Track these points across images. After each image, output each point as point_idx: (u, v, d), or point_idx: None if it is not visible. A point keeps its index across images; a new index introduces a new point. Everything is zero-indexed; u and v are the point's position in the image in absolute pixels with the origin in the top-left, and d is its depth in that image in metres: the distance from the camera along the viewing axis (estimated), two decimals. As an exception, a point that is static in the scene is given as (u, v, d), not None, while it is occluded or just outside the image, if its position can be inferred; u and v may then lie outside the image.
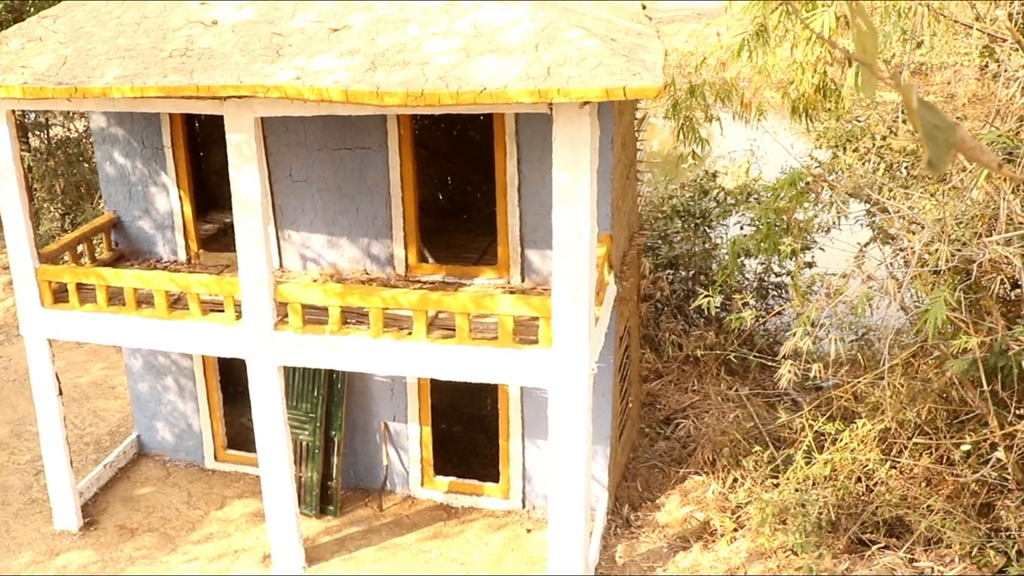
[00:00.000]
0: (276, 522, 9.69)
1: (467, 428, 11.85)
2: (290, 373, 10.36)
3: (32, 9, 16.42)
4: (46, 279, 9.69)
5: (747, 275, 14.36)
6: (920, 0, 8.39)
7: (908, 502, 9.29)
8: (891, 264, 10.38)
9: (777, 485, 9.78)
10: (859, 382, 9.88)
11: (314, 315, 9.09)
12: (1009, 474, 8.59)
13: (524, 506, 10.73)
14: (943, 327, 8.36)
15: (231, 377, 11.42)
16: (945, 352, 8.72)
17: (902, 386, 9.58)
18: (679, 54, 23.72)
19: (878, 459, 9.41)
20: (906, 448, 9.48)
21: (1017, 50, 9.07)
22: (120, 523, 10.79)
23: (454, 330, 8.61)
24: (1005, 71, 9.19)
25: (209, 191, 11.93)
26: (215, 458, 11.82)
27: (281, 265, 10.45)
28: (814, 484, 9.50)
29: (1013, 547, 8.40)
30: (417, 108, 7.37)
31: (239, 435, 11.65)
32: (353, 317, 9.10)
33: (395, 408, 10.77)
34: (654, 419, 12.58)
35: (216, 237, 11.47)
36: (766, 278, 14.42)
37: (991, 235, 7.98)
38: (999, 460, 8.56)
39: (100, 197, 14.55)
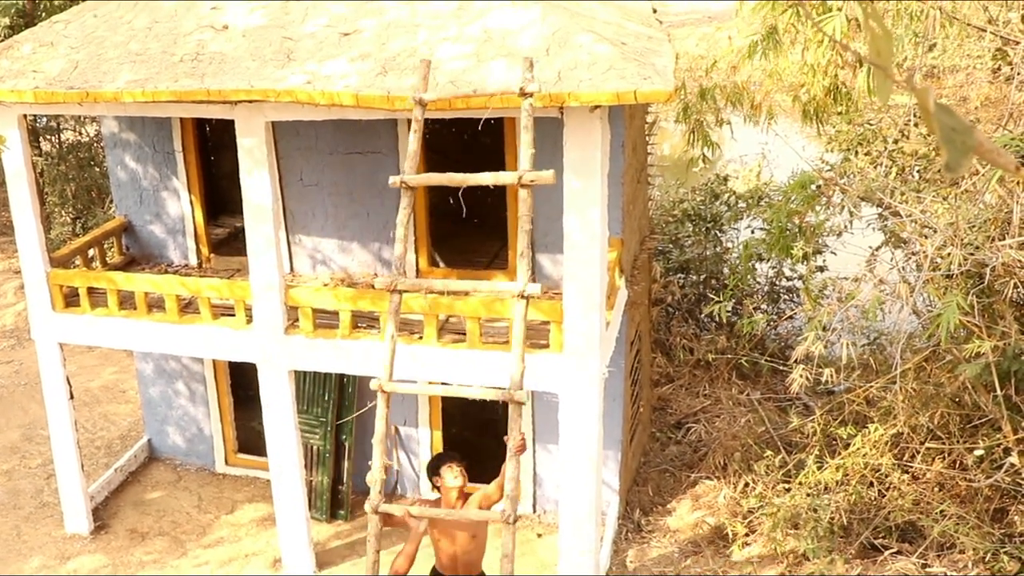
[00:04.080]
0: (286, 526, 9.69)
1: (477, 433, 11.82)
2: (301, 377, 10.36)
3: (44, 14, 16.48)
4: (57, 283, 9.71)
5: (758, 279, 14.32)
6: (932, 3, 8.36)
7: (921, 507, 9.24)
8: (903, 268, 10.33)
9: (789, 490, 9.74)
10: (871, 386, 9.83)
11: (325, 319, 9.09)
12: (1023, 479, 8.53)
13: (535, 511, 10.71)
14: (956, 331, 8.31)
15: (242, 381, 11.42)
16: (958, 356, 8.67)
17: (914, 391, 9.54)
18: (690, 58, 23.70)
19: (890, 464, 9.37)
20: (918, 453, 9.43)
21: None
22: (131, 527, 10.80)
23: (465, 334, 8.60)
24: (1018, 74, 9.15)
25: (220, 195, 11.94)
26: (226, 462, 11.82)
27: (292, 269, 10.45)
28: (826, 489, 9.46)
29: (1027, 553, 8.35)
30: (428, 112, 7.36)
31: (250, 439, 11.65)
32: (364, 321, 9.10)
33: (406, 412, 10.76)
34: (665, 423, 12.54)
35: (227, 241, 11.48)
36: (777, 282, 14.38)
37: (1004, 239, 7.94)
38: (1013, 465, 8.51)
39: (111, 201, 14.58)
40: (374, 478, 6.92)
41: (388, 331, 6.97)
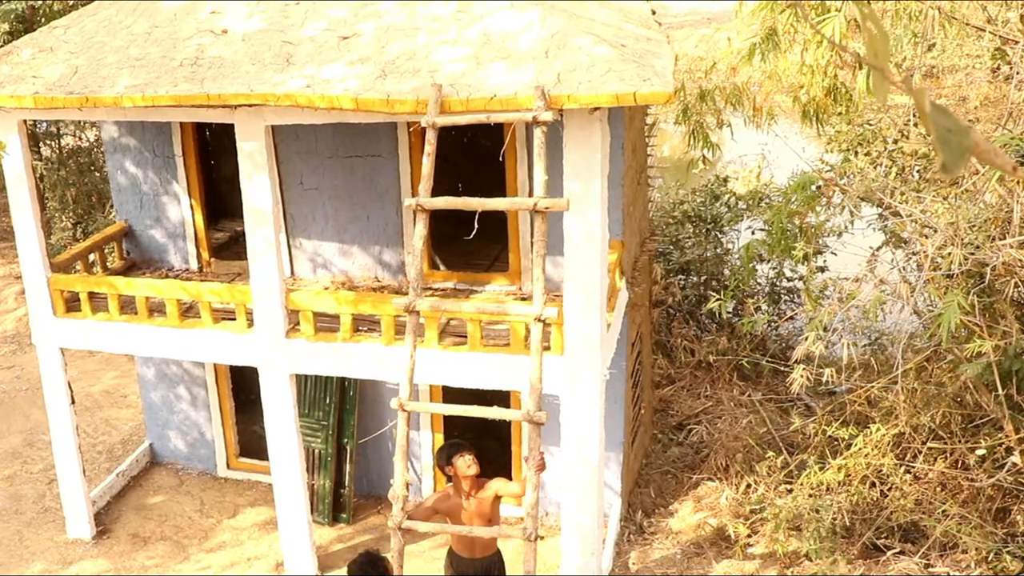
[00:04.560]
0: (289, 530, 9.68)
1: (479, 435, 11.81)
2: (302, 381, 10.36)
3: (43, 19, 16.48)
4: (58, 288, 9.72)
5: (759, 280, 14.31)
6: (931, 2, 8.36)
7: (923, 507, 9.23)
8: (904, 268, 10.33)
9: (791, 491, 9.73)
10: (872, 387, 9.82)
11: (326, 323, 9.09)
12: (1025, 479, 8.54)
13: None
14: (957, 331, 8.31)
15: (243, 385, 11.42)
16: (959, 356, 8.67)
17: (916, 390, 9.53)
18: (689, 59, 23.68)
19: (892, 464, 9.36)
20: (920, 453, 9.42)
21: (1029, 52, 9.02)
22: (133, 532, 10.80)
23: (466, 337, 8.60)
24: (1017, 73, 9.15)
25: (220, 200, 11.94)
26: (227, 466, 11.82)
27: (292, 273, 10.45)
28: (828, 489, 9.45)
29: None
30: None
31: (251, 443, 11.65)
32: (365, 325, 9.10)
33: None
34: (667, 425, 12.54)
35: (227, 245, 11.48)
36: (778, 283, 14.37)
37: (1004, 238, 7.94)
38: (1015, 464, 8.51)
39: (111, 206, 14.58)
40: (396, 495, 6.97)
41: (408, 351, 7.04)
